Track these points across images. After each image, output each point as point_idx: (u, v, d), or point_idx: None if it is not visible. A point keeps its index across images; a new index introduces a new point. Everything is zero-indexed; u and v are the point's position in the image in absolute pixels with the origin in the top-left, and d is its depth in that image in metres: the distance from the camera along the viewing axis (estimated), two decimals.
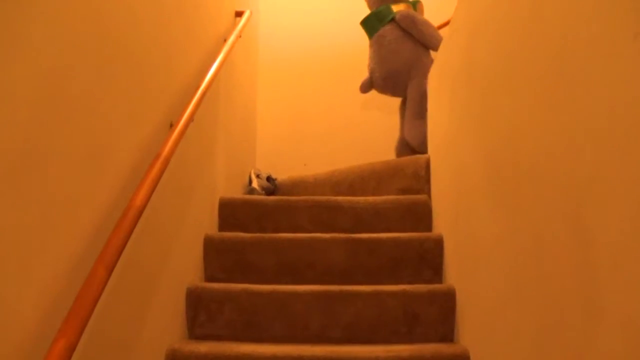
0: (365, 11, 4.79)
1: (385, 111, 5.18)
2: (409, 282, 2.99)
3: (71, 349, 1.38)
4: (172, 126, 2.43)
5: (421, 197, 3.50)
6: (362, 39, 5.26)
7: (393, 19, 4.49)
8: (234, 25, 3.93)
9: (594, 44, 1.26)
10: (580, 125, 1.33)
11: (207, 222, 3.28)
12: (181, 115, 2.49)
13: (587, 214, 1.29)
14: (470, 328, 2.46)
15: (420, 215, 3.44)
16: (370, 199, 3.52)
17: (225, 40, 3.52)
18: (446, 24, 4.17)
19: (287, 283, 2.98)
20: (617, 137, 1.15)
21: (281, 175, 4.62)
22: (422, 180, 3.67)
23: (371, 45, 4.61)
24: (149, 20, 2.34)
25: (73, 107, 1.70)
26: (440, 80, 3.34)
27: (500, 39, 2.02)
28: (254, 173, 4.45)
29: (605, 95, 1.20)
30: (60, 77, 1.63)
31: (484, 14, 2.27)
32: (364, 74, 4.79)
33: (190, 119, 2.53)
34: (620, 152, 1.14)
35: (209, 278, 3.12)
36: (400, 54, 4.40)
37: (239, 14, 4.11)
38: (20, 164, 1.43)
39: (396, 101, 4.81)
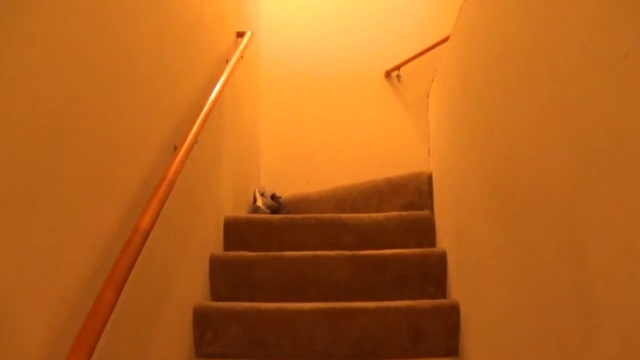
0: (367, 25, 4.86)
1: (387, 128, 5.22)
2: (414, 298, 3.01)
3: None
4: (176, 148, 2.46)
5: (424, 213, 3.53)
6: (363, 55, 5.31)
7: None
8: (236, 46, 3.98)
9: (588, 63, 1.29)
10: (574, 143, 1.36)
11: (213, 242, 3.31)
12: (185, 137, 2.52)
13: (581, 230, 1.32)
14: (474, 342, 2.48)
15: (423, 231, 3.46)
16: (374, 215, 3.55)
17: (227, 61, 3.56)
18: (445, 40, 4.21)
19: (292, 301, 3.00)
20: (609, 156, 1.18)
21: (285, 193, 4.65)
22: (424, 195, 3.70)
23: None
24: (152, 44, 2.38)
25: (77, 132, 1.73)
26: (440, 95, 3.38)
27: (496, 56, 2.06)
28: (259, 191, 4.48)
29: (598, 113, 1.24)
30: (63, 102, 1.66)
31: (480, 32, 2.31)
32: (366, 90, 4.83)
33: (195, 140, 2.56)
34: (612, 171, 1.17)
35: (216, 297, 3.14)
36: None
37: (240, 35, 4.15)
38: (25, 190, 1.46)
39: (401, 118, 4.86)
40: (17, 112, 1.42)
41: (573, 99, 1.36)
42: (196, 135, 2.59)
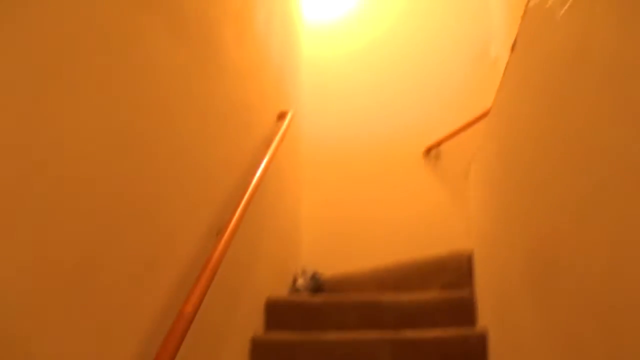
0: (407, 103, 4.95)
1: (427, 206, 5.23)
2: None
3: None
4: (219, 233, 2.51)
5: (464, 292, 3.51)
6: (403, 132, 5.37)
7: None
8: (278, 125, 4.02)
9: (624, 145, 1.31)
10: (619, 229, 1.37)
11: (254, 323, 3.32)
12: (229, 221, 2.58)
13: (617, 318, 1.32)
14: None
15: (464, 311, 3.44)
16: (415, 296, 3.54)
17: (269, 141, 3.62)
18: (485, 114, 4.23)
19: None
20: None
21: (326, 271, 4.64)
22: (464, 274, 3.69)
23: None
24: (197, 126, 2.46)
25: (129, 219, 1.80)
26: (480, 173, 3.39)
27: (535, 133, 2.08)
28: (300, 271, 4.50)
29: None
30: (116, 191, 1.74)
31: (519, 107, 2.33)
32: (406, 167, 4.89)
33: (238, 224, 2.60)
34: None
35: None
36: None
37: (282, 115, 4.20)
38: (82, 274, 1.52)
39: (441, 195, 4.88)
40: (72, 205, 1.49)
41: (615, 181, 1.37)
42: (239, 219, 2.64)
